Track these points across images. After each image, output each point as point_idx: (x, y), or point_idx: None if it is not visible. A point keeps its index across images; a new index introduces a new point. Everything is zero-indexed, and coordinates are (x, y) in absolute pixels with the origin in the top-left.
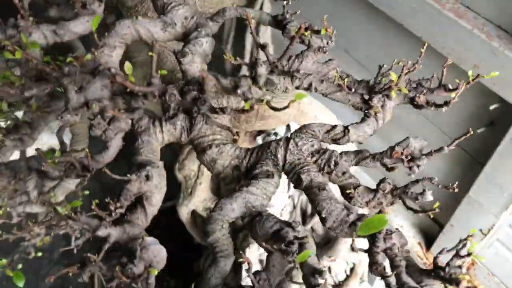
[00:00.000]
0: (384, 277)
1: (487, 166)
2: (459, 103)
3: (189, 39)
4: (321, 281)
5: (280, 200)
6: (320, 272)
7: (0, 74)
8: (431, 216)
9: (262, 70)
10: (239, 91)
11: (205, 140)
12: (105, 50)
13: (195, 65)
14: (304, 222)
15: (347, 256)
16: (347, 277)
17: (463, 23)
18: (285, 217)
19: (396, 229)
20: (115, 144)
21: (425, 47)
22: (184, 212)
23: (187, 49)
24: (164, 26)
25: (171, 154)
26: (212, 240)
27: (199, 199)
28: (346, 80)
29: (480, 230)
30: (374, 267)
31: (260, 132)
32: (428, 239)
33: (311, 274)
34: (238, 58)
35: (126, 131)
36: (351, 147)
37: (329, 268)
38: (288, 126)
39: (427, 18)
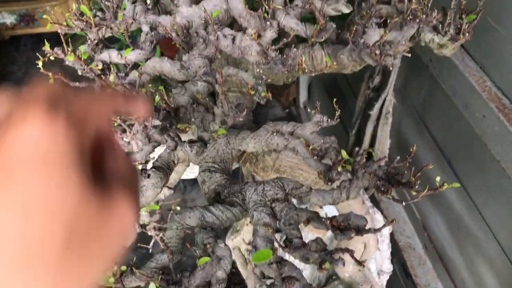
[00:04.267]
0: None
1: None
2: None
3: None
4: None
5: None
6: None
7: None
8: None
9: None
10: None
11: (205, 164)
12: None
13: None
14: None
15: None
16: None
17: None
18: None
19: (310, 285)
20: (147, 149)
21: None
22: (229, 244)
23: None
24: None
25: None
26: (167, 234)
27: (245, 238)
28: (311, 146)
29: None
30: None
31: None
32: None
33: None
34: None
35: (155, 145)
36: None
37: None
38: None
39: (503, 142)
